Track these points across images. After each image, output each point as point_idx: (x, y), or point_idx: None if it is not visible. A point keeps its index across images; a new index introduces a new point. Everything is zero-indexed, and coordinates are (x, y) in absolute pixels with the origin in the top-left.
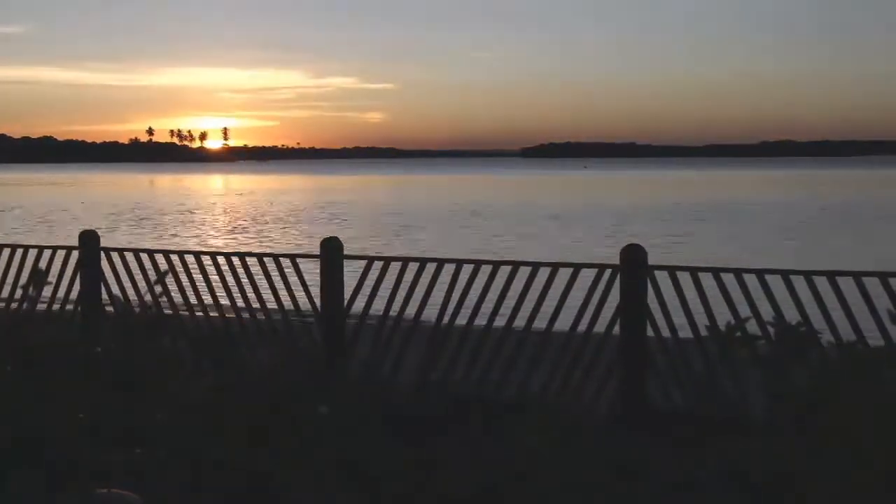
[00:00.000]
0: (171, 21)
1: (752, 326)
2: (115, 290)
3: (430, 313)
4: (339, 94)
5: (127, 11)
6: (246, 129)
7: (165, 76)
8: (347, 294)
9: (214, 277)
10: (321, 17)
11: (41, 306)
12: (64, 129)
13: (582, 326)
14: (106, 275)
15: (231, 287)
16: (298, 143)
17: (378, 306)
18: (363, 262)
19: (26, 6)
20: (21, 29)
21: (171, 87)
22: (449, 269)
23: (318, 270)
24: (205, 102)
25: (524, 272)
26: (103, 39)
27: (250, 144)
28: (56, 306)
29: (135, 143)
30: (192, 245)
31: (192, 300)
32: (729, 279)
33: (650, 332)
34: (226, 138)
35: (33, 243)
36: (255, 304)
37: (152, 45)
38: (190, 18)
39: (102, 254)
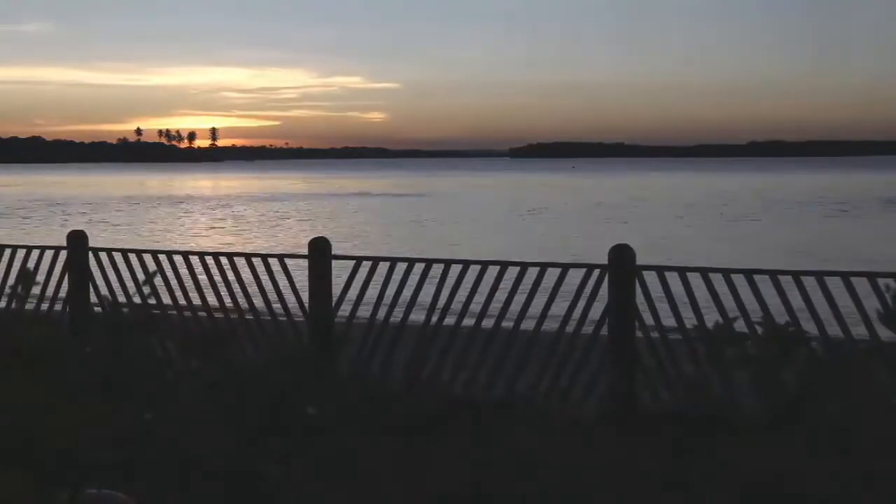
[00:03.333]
0: (175, 20)
1: (741, 326)
2: (104, 290)
3: (419, 313)
4: (344, 93)
5: (131, 11)
6: (245, 129)
7: (167, 76)
8: (336, 294)
9: (203, 278)
10: (330, 15)
11: (29, 307)
12: (60, 129)
13: (570, 326)
14: (94, 275)
15: (220, 287)
16: (287, 143)
17: (366, 306)
18: (352, 262)
19: (27, 6)
20: (21, 29)
21: (173, 86)
22: (437, 269)
23: (307, 270)
24: (206, 102)
25: (512, 272)
26: (107, 40)
27: (238, 144)
28: (44, 307)
29: (123, 143)
30: None
31: (181, 300)
32: (717, 279)
33: (639, 332)
34: (214, 138)
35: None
36: (244, 304)
37: (155, 45)
38: (195, 17)
39: (91, 254)
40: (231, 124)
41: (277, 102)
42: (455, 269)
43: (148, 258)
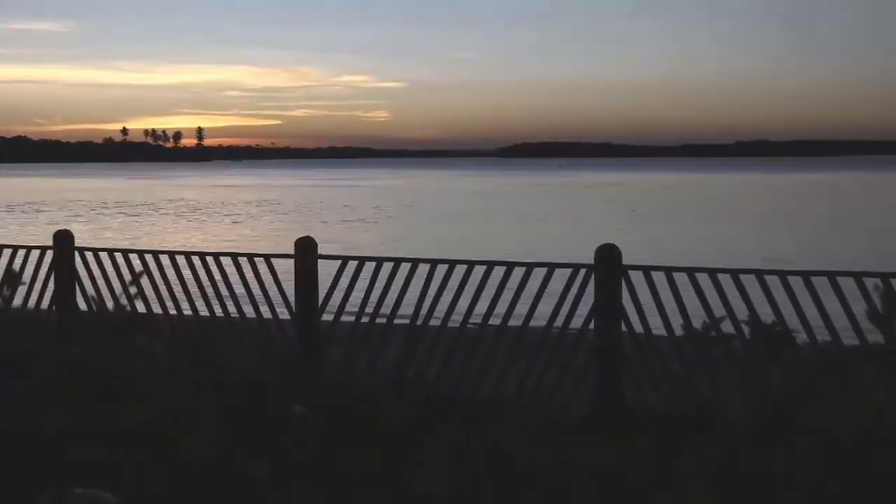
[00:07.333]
0: (180, 19)
1: (727, 326)
2: (90, 290)
3: (405, 313)
4: (349, 92)
5: (135, 10)
6: (245, 129)
7: (170, 75)
8: (322, 294)
9: (190, 277)
10: (336, 14)
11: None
12: (62, 129)
13: (557, 326)
14: (80, 275)
15: (206, 287)
16: (273, 143)
17: (353, 306)
18: (338, 262)
19: (32, 5)
20: (27, 28)
21: (176, 85)
22: (423, 268)
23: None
24: (208, 101)
25: (499, 272)
26: (110, 40)
27: (226, 144)
28: (31, 307)
29: (108, 142)
30: None
31: (168, 300)
32: (703, 279)
33: (625, 331)
34: (200, 138)
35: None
36: (231, 304)
37: (160, 44)
38: (202, 16)
39: (77, 254)
40: (232, 123)
41: (281, 102)
42: (441, 269)
43: (134, 258)
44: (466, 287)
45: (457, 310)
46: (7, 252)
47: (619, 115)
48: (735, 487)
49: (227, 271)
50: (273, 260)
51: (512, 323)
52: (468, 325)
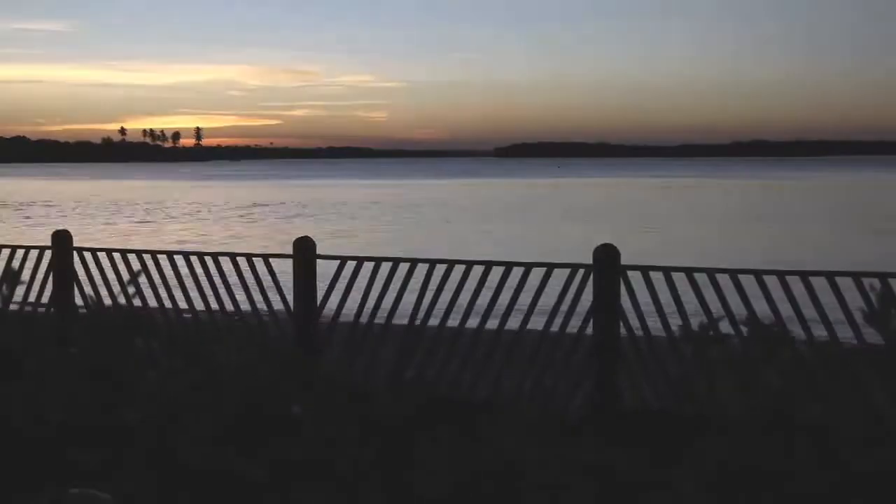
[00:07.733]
0: (179, 19)
1: (726, 326)
2: (88, 289)
3: (404, 313)
4: (348, 92)
5: (136, 9)
6: (242, 129)
7: (170, 75)
8: (321, 293)
9: (188, 277)
10: (339, 14)
11: (13, 307)
12: (62, 129)
13: (555, 326)
14: (79, 274)
15: (204, 286)
16: (272, 143)
17: (351, 306)
18: (336, 262)
19: (34, 5)
20: (29, 27)
21: (175, 85)
22: (422, 268)
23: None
24: (208, 101)
25: (498, 272)
26: (111, 39)
27: (224, 144)
28: (29, 307)
29: (107, 142)
30: None
31: (166, 300)
32: (702, 279)
33: (623, 331)
34: (199, 138)
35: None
36: (229, 304)
37: (160, 44)
38: (202, 15)
39: (75, 253)
40: (231, 123)
41: (281, 102)
42: (440, 269)
43: (132, 258)
44: (465, 287)
45: (455, 309)
46: (5, 252)
47: (618, 115)
48: (733, 488)
49: (226, 271)
50: (272, 260)
51: (511, 323)
52: (466, 325)
